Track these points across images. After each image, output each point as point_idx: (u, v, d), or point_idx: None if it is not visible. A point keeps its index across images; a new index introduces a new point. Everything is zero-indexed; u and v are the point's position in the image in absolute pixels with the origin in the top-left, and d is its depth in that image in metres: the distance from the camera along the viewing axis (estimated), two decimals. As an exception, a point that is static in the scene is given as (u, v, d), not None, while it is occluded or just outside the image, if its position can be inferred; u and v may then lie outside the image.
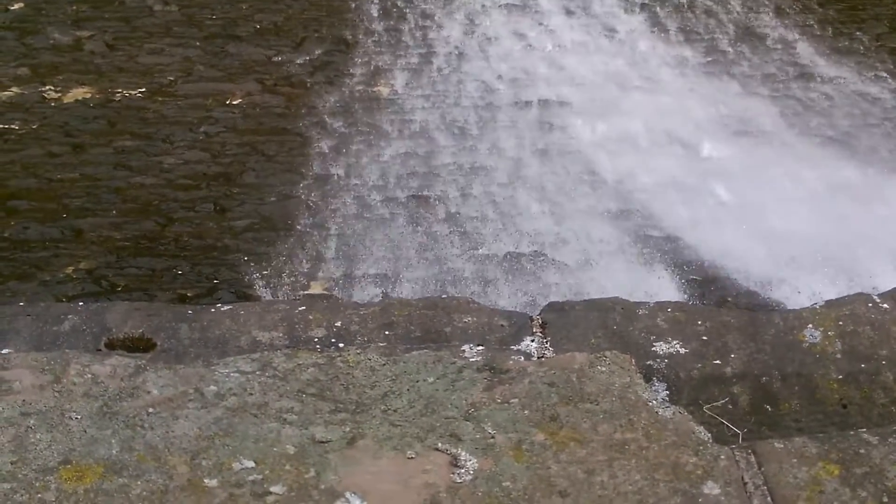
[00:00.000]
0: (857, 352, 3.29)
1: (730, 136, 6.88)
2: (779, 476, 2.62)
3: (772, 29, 8.05)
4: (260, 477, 2.57)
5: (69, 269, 5.71)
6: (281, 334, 3.43)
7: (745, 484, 2.59)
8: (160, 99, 7.23)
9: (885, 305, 3.43)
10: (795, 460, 2.66)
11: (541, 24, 8.27)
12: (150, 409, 2.78)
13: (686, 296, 5.47)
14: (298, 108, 7.15)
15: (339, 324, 3.46)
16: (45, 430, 2.69)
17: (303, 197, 6.32)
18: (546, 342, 3.34)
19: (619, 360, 2.99)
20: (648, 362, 3.27)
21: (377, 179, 6.48)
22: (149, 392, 2.85)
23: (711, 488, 2.57)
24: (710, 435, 2.75)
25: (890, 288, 3.52)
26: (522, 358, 3.05)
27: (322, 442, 2.68)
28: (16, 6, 8.19)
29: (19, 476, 2.54)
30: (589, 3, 8.53)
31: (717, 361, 3.30)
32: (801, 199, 6.21)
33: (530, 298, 5.48)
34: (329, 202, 6.29)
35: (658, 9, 8.38)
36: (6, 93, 7.24)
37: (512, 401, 2.83)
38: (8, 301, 5.24)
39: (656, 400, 2.85)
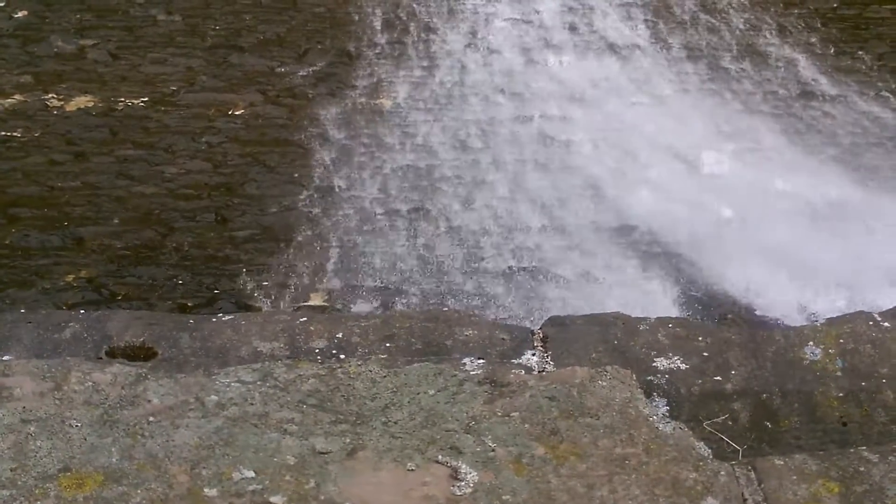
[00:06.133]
0: (857, 370, 3.29)
1: (731, 154, 6.89)
2: (779, 493, 2.62)
3: (774, 47, 8.06)
4: (260, 487, 2.57)
5: (70, 278, 5.71)
6: (282, 345, 3.43)
7: (745, 500, 2.59)
8: (163, 108, 7.24)
9: (886, 324, 3.43)
10: (795, 477, 2.66)
11: (543, 38, 8.28)
12: (151, 418, 2.78)
13: (686, 311, 5.48)
14: (301, 119, 7.16)
15: (340, 335, 3.46)
16: (45, 437, 2.69)
17: (304, 208, 6.32)
18: (547, 356, 3.34)
19: (619, 374, 2.99)
20: (649, 377, 3.27)
21: (378, 192, 6.49)
22: (149, 401, 2.84)
23: (711, 504, 2.57)
24: (710, 451, 2.75)
25: (890, 306, 3.53)
26: (523, 371, 3.04)
27: (322, 453, 2.68)
28: (20, 14, 8.21)
29: (19, 483, 2.54)
30: (591, 19, 8.55)
31: (718, 378, 3.30)
32: (802, 216, 6.22)
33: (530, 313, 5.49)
34: (330, 214, 6.30)
35: (661, 25, 8.40)
36: (9, 100, 7.25)
37: (512, 414, 2.82)
38: (8, 308, 5.24)
39: (657, 415, 2.85)
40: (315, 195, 6.44)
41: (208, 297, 5.65)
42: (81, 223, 6.13)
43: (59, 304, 5.43)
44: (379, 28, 8.29)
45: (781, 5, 8.51)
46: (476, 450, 2.70)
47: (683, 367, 3.33)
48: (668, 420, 2.84)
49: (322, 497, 2.55)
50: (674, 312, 5.37)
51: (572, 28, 8.42)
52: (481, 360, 3.10)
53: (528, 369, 3.12)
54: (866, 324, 3.43)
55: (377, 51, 8.01)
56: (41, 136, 6.91)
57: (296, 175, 6.61)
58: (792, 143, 7.00)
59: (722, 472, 2.66)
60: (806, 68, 7.80)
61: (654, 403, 3.14)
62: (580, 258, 6.02)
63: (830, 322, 3.48)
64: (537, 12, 8.62)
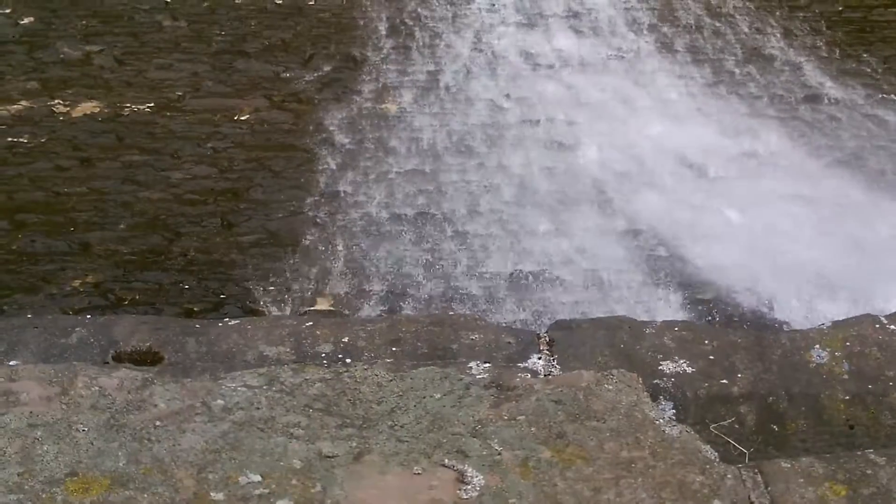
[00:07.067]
0: (864, 373, 3.29)
1: (738, 157, 6.88)
2: (785, 496, 2.61)
3: (780, 51, 8.06)
4: (266, 491, 2.57)
5: (76, 283, 5.72)
6: (288, 349, 3.43)
7: (752, 503, 2.59)
8: (168, 114, 7.25)
9: (893, 327, 3.42)
10: (802, 480, 2.66)
11: (548, 43, 8.28)
12: (157, 423, 2.78)
13: (693, 315, 5.48)
14: (306, 124, 7.16)
15: (346, 339, 3.47)
16: (52, 441, 2.69)
17: (310, 213, 6.33)
18: (553, 360, 3.34)
19: (625, 378, 2.99)
20: (655, 381, 3.27)
21: (384, 196, 6.49)
22: (156, 405, 2.85)
23: (718, 507, 2.56)
24: (716, 454, 2.74)
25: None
26: (529, 375, 3.04)
27: (329, 457, 2.68)
28: (26, 20, 8.22)
29: (26, 487, 2.54)
30: (597, 23, 8.55)
31: (724, 381, 3.30)
32: (808, 219, 6.21)
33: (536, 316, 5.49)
34: (336, 219, 6.30)
35: (666, 29, 8.39)
36: (15, 106, 7.26)
37: (519, 418, 2.82)
38: (15, 313, 5.25)
39: (663, 419, 2.85)
40: (321, 200, 6.45)
41: (214, 301, 5.66)
42: (88, 228, 6.14)
43: (66, 309, 5.44)
44: (384, 33, 8.29)
45: (787, 9, 8.51)
46: (482, 453, 2.70)
47: (689, 370, 3.33)
48: (674, 423, 2.84)
49: (328, 501, 2.55)
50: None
51: (577, 32, 8.42)
52: (487, 364, 3.10)
53: (534, 373, 3.12)
54: (872, 327, 3.43)
55: (382, 56, 8.02)
56: (47, 141, 6.92)
57: (301, 180, 6.62)
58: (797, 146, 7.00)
59: (728, 476, 2.66)
60: (811, 72, 7.79)
61: (660, 407, 3.14)
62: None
63: (836, 325, 3.48)
64: (542, 16, 8.62)
